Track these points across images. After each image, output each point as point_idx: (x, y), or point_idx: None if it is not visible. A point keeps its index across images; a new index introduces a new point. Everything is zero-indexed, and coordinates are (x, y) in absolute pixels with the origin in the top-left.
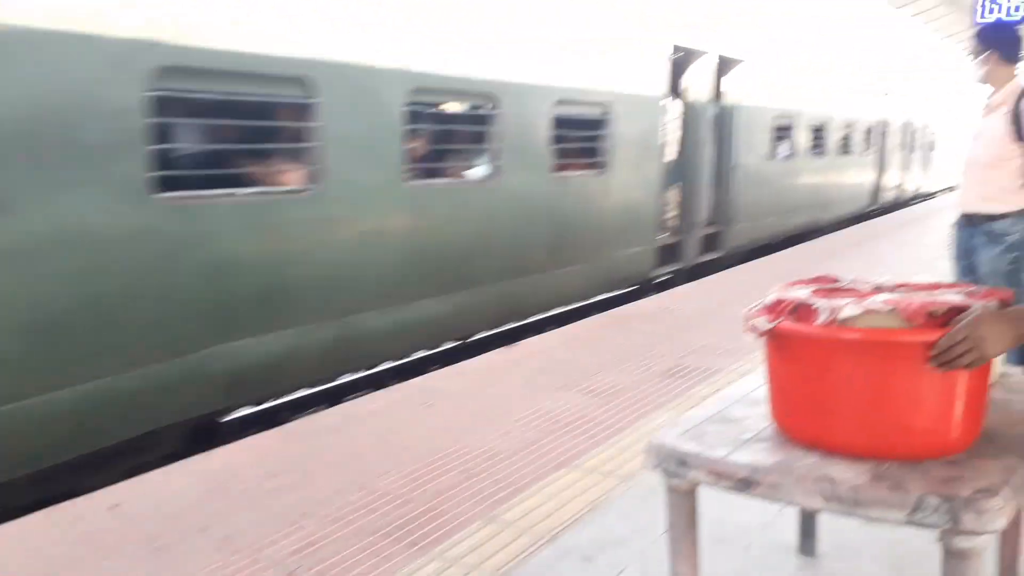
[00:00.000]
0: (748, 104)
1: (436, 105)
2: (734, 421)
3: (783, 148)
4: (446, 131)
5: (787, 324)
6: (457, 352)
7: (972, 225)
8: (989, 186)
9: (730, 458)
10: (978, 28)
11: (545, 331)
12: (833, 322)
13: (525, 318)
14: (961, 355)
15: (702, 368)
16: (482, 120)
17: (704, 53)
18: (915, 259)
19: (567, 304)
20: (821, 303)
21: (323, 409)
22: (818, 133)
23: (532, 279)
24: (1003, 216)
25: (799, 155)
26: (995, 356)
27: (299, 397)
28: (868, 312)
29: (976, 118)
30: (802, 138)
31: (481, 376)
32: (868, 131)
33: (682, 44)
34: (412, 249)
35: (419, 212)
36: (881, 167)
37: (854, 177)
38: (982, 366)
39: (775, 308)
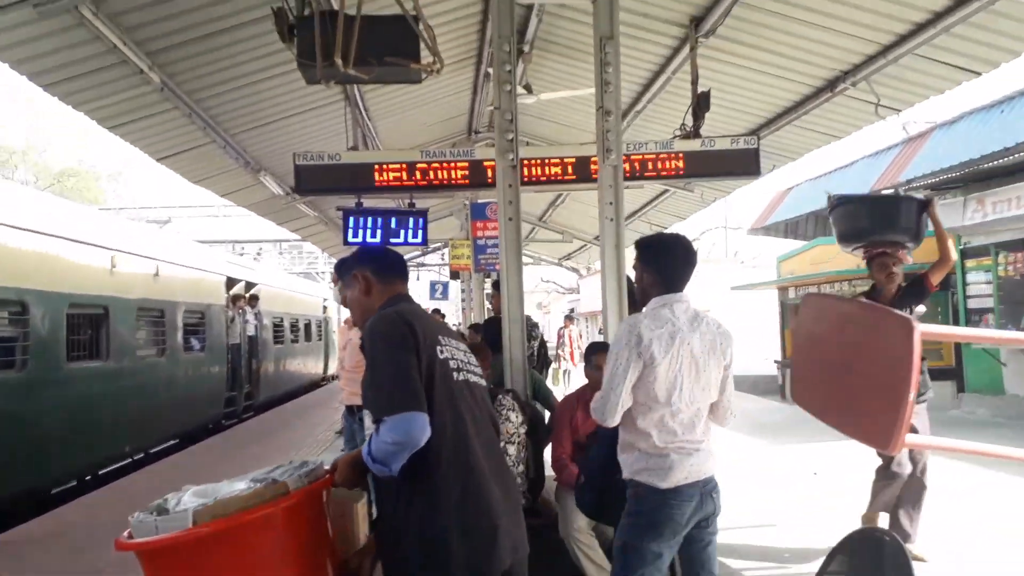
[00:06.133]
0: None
1: None
2: None
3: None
4: None
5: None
6: None
7: (351, 414)
8: (355, 385)
9: None
10: (358, 252)
11: None
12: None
13: None
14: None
15: None
16: None
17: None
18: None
19: None
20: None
21: None
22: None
23: None
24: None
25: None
26: (340, 484)
27: None
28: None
29: (343, 330)
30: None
31: None
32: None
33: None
34: None
35: None
36: (326, 352)
37: (313, 359)
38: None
39: None
